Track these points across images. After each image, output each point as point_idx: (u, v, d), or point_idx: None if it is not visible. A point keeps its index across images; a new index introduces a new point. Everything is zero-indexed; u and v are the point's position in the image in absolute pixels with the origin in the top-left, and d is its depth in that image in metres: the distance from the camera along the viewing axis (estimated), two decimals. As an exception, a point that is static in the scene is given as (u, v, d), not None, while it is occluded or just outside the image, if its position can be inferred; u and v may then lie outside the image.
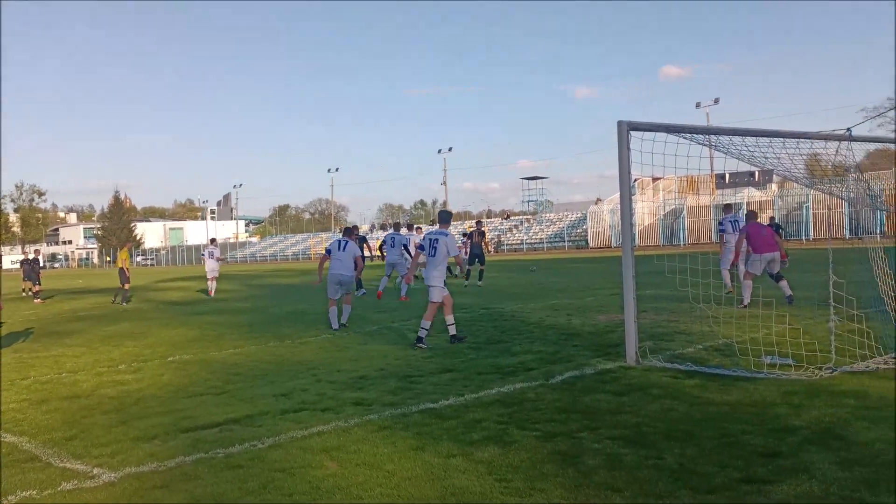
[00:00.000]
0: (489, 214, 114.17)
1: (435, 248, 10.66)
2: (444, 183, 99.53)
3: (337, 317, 13.37)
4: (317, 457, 5.54)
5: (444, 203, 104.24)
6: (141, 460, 5.70)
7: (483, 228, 25.67)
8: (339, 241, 13.70)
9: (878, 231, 17.02)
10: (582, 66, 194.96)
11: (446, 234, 10.83)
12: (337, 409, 7.05)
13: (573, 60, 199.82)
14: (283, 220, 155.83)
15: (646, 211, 61.45)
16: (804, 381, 7.16)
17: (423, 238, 11.16)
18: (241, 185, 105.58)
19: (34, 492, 5.06)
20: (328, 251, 13.69)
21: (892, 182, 44.05)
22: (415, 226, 28.96)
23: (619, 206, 9.61)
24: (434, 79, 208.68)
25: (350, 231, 14.51)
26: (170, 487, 5.02)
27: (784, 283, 13.36)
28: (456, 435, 5.94)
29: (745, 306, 13.08)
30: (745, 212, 17.59)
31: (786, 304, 13.00)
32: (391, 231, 21.03)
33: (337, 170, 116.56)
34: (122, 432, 6.59)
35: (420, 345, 10.52)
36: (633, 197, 9.23)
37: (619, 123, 8.70)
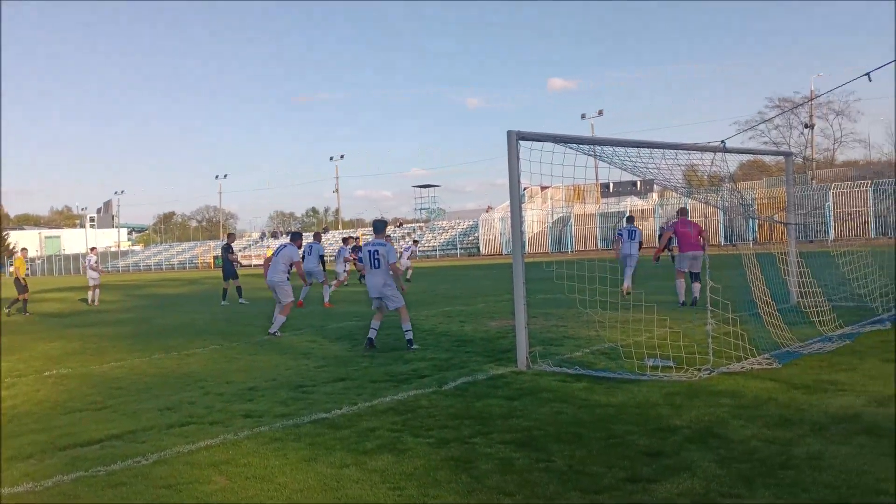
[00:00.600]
0: (400, 223, 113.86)
1: (377, 259, 10.75)
2: (337, 190, 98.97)
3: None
4: (205, 472, 5.38)
5: (337, 210, 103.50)
6: (16, 480, 5.39)
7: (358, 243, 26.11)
8: (279, 246, 13.93)
9: (750, 238, 18.15)
10: (472, 75, 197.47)
11: (384, 244, 10.91)
12: (226, 422, 6.87)
13: (464, 70, 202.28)
14: (168, 227, 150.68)
15: (535, 219, 62.74)
16: (684, 382, 7.47)
17: (363, 250, 11.20)
18: (122, 192, 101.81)
19: None
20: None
21: (764, 192, 46.65)
22: (351, 237, 28.58)
23: (509, 213, 9.77)
24: (325, 85, 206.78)
25: (295, 237, 14.40)
26: (46, 509, 4.77)
27: (697, 286, 14.03)
28: (349, 444, 5.89)
29: (683, 304, 13.88)
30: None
31: (678, 306, 13.83)
32: (311, 240, 20.70)
33: (225, 176, 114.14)
34: (-8, 453, 6.21)
35: (413, 347, 10.76)
36: (522, 205, 9.42)
37: (509, 133, 8.87)
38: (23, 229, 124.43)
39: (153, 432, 6.63)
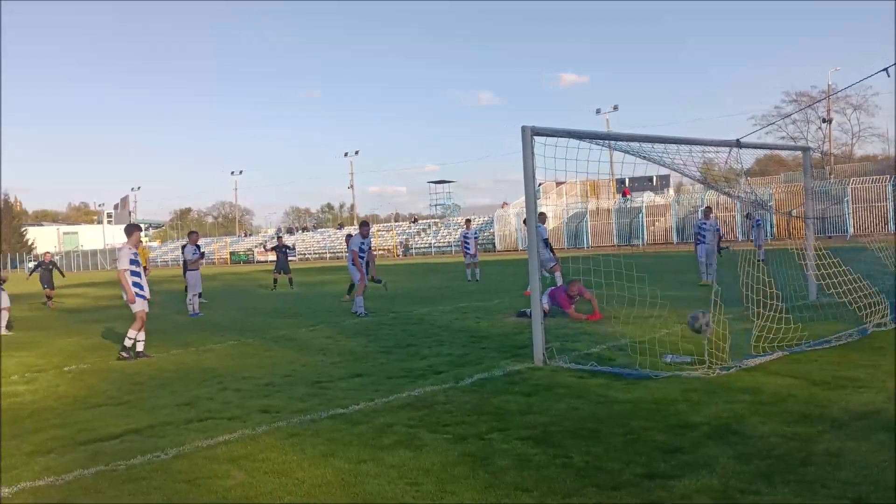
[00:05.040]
0: (397, 218, 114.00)
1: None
2: (351, 186, 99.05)
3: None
4: (223, 466, 5.42)
5: (352, 206, 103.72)
6: (37, 475, 5.45)
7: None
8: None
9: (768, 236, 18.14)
10: (484, 71, 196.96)
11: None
12: (244, 418, 6.91)
13: (475, 66, 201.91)
14: (185, 223, 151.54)
15: (550, 214, 62.68)
16: (702, 378, 7.44)
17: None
18: (139, 188, 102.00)
19: (-83, 513, 4.78)
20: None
21: (781, 187, 46.31)
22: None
23: (524, 209, 9.76)
24: (337, 81, 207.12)
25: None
26: (68, 502, 4.82)
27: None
28: (367, 440, 5.91)
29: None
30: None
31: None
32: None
33: (241, 172, 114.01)
34: (15, 446, 6.29)
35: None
36: (537, 200, 9.40)
37: (524, 128, 8.85)
38: (41, 225, 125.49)
39: (172, 427, 6.68)
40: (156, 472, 5.38)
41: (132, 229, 11.33)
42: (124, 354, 10.82)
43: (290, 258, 29.59)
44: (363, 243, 15.84)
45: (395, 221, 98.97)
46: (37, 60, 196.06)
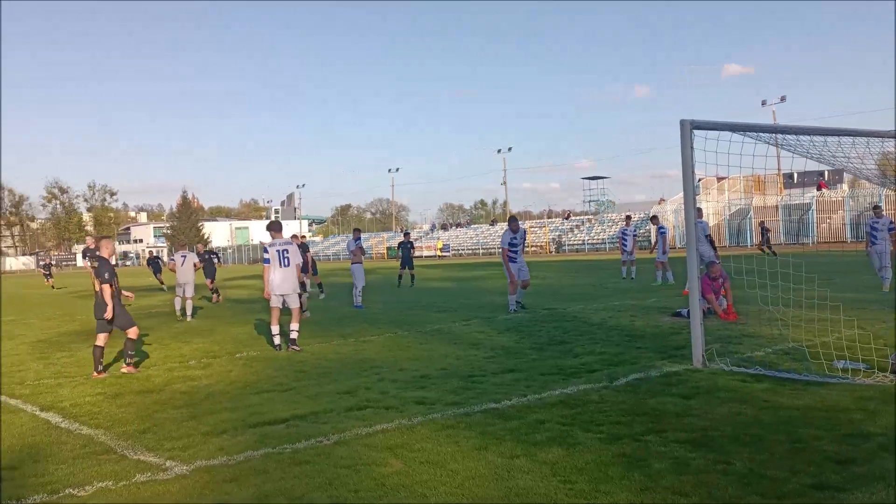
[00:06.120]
0: (549, 214, 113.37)
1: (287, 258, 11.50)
2: (504, 183, 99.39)
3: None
4: (381, 454, 5.60)
5: (505, 203, 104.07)
6: (211, 454, 5.84)
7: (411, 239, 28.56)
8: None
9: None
10: (641, 64, 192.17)
11: (292, 244, 11.79)
12: (400, 408, 7.11)
13: (632, 59, 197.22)
14: (345, 219, 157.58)
15: (711, 211, 60.26)
16: (878, 386, 6.94)
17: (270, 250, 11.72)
18: (303, 186, 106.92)
19: (110, 483, 5.23)
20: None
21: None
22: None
23: (682, 206, 9.44)
24: (489, 79, 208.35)
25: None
26: (239, 481, 5.14)
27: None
28: (519, 435, 5.93)
29: None
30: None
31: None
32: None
33: (397, 170, 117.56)
34: (192, 427, 6.77)
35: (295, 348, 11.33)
36: (697, 197, 9.08)
37: (682, 122, 8.57)
38: (216, 220, 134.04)
39: (333, 414, 6.97)
40: (319, 456, 5.63)
41: (278, 227, 11.95)
42: (295, 348, 11.35)
43: (418, 254, 30.47)
44: (513, 238, 15.38)
45: (548, 218, 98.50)
46: (221, 70, 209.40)
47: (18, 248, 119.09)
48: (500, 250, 15.70)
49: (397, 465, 5.31)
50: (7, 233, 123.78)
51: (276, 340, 11.44)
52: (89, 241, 25.29)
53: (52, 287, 38.69)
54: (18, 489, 5.19)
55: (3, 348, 13.41)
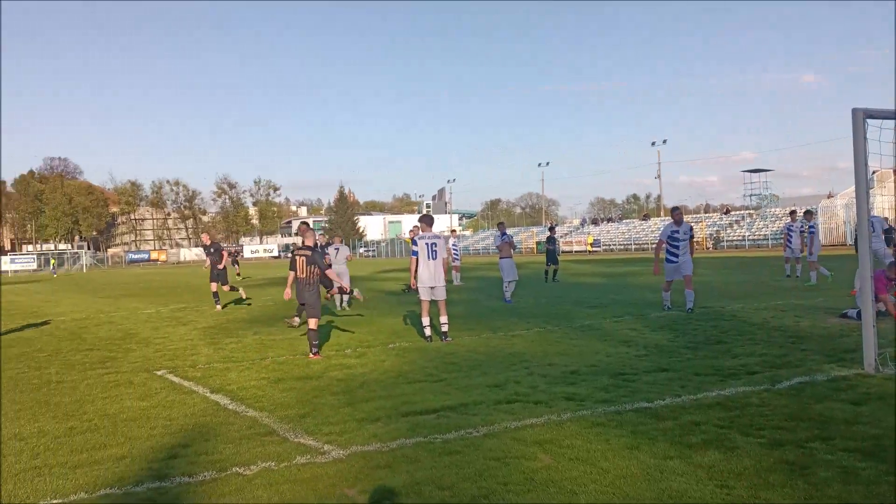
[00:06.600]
0: (706, 209, 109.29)
1: (435, 251, 11.73)
2: (658, 176, 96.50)
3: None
4: (530, 448, 5.60)
5: (659, 197, 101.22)
6: (366, 440, 6.04)
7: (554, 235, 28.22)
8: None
9: None
10: (807, 50, 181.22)
11: (440, 238, 11.95)
12: (549, 403, 7.07)
13: (797, 45, 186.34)
14: (494, 214, 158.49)
15: (885, 206, 56.01)
16: None
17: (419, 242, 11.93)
18: (454, 181, 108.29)
19: (272, 463, 5.53)
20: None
21: None
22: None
23: (854, 200, 8.84)
24: (645, 70, 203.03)
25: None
26: (392, 468, 5.29)
27: None
28: (673, 436, 5.76)
29: None
30: None
31: None
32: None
33: (547, 164, 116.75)
34: (348, 413, 7.02)
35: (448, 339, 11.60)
36: (870, 191, 8.47)
37: (854, 111, 8.02)
38: (370, 215, 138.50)
39: (483, 407, 7.04)
40: (468, 447, 5.70)
41: (429, 221, 12.25)
42: (448, 339, 11.55)
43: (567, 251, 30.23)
44: (675, 231, 14.37)
45: (705, 212, 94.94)
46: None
47: (191, 240, 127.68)
48: (658, 242, 14.83)
49: (546, 461, 5.29)
50: (182, 225, 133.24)
51: (427, 332, 11.68)
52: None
53: (239, 275, 40.98)
54: (190, 465, 5.58)
55: (176, 333, 14.45)
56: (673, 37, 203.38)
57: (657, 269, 14.63)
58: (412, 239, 12.32)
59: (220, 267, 19.87)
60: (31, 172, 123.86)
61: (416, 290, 11.85)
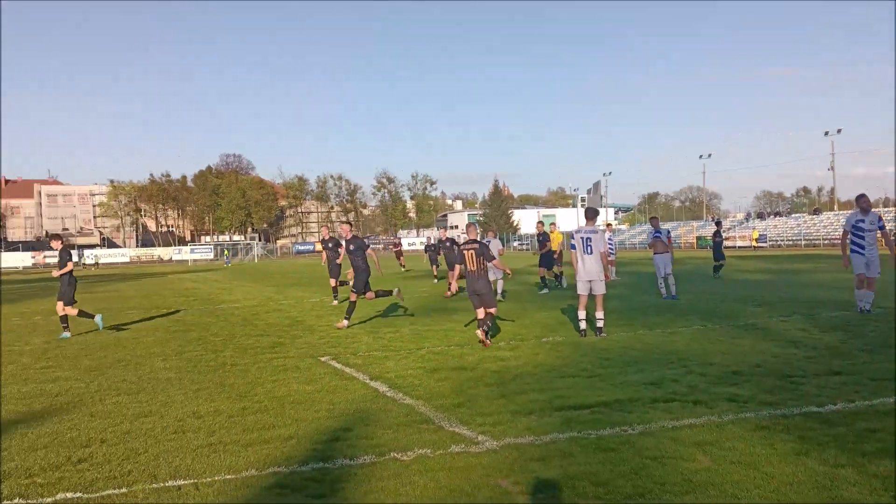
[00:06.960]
0: (886, 203, 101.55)
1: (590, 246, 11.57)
2: (832, 168, 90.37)
3: None
4: (688, 449, 5.45)
5: (832, 190, 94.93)
6: (519, 433, 6.08)
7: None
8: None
9: None
10: None
11: (596, 232, 11.61)
12: (709, 403, 6.84)
13: None
14: (652, 207, 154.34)
15: None
16: None
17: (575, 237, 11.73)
18: (610, 174, 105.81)
19: (428, 450, 5.68)
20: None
21: None
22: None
23: None
24: (818, 56, 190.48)
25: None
26: (545, 461, 5.30)
27: None
28: (845, 443, 5.43)
29: None
30: None
31: None
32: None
33: (709, 156, 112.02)
34: (502, 405, 7.09)
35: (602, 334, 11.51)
36: None
37: None
38: (524, 208, 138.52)
39: (638, 404, 6.90)
40: (623, 444, 5.62)
41: (592, 215, 11.99)
42: (603, 334, 11.43)
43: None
44: (860, 221, 13.16)
45: (884, 206, 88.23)
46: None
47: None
48: (843, 232, 13.60)
49: (705, 462, 5.13)
50: (344, 218, 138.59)
51: (582, 326, 11.57)
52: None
53: (403, 266, 42.21)
54: (351, 449, 5.83)
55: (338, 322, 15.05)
56: (841, 24, 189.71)
57: (846, 262, 13.43)
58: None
59: (338, 262, 19.84)
60: (209, 168, 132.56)
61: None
